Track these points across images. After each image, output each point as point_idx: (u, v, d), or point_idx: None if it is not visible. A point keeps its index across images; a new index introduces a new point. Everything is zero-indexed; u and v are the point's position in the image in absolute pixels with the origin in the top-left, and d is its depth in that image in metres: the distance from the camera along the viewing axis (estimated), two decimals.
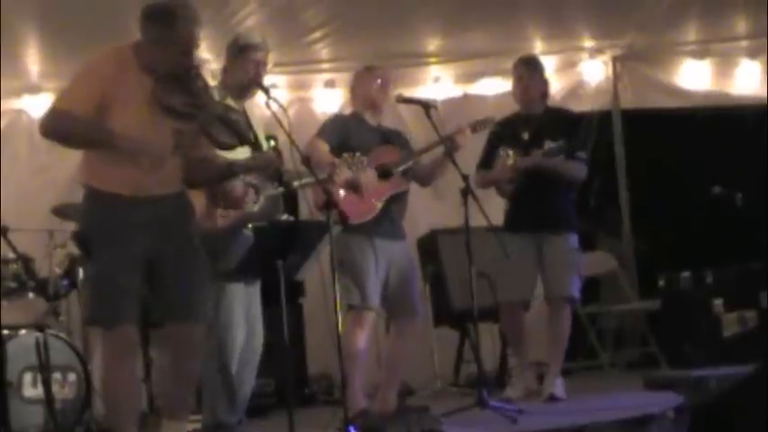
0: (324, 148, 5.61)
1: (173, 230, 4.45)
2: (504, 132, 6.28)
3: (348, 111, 6.21)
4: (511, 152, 6.13)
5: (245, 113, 5.10)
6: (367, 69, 5.97)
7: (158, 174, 4.41)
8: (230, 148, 4.63)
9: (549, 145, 6.05)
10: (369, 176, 5.68)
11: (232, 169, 4.77)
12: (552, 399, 5.99)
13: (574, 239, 6.23)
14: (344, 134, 5.72)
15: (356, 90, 5.97)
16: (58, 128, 4.38)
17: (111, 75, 4.35)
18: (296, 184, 5.09)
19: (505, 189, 6.19)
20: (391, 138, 5.95)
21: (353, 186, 5.62)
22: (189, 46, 4.43)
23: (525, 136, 6.19)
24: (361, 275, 5.63)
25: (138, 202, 4.38)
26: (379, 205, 5.72)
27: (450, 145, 5.71)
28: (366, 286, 5.63)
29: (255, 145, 4.89)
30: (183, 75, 4.44)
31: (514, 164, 6.11)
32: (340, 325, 4.73)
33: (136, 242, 4.36)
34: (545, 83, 6.38)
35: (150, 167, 4.38)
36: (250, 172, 4.92)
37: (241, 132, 4.56)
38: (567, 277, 6.12)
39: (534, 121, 6.23)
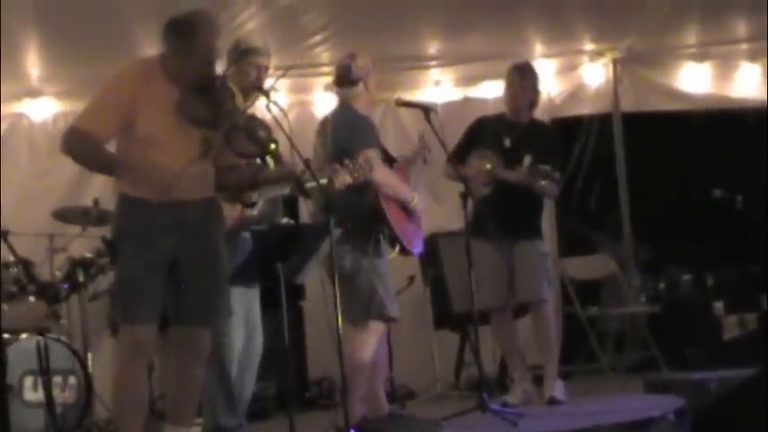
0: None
1: (197, 236, 4.50)
2: (485, 132, 6.26)
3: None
4: (491, 156, 6.11)
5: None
6: (371, 65, 5.72)
7: (186, 180, 4.44)
8: (251, 157, 4.64)
9: (528, 160, 6.05)
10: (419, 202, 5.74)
11: (257, 179, 4.77)
12: (553, 401, 6.00)
13: (542, 245, 6.26)
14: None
15: (369, 87, 5.67)
16: (75, 149, 4.50)
17: (134, 89, 4.44)
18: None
19: (476, 190, 6.01)
20: None
21: (407, 208, 5.65)
22: (209, 57, 4.49)
23: (507, 143, 6.18)
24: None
25: (165, 206, 4.43)
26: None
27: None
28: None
29: (276, 155, 4.89)
30: (208, 85, 4.49)
31: (494, 171, 6.08)
32: (340, 328, 4.72)
33: (160, 246, 4.42)
34: (536, 92, 6.33)
35: (177, 174, 4.41)
36: (275, 182, 4.93)
37: (262, 142, 4.58)
38: (538, 281, 6.11)
39: (518, 131, 6.21)
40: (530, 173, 6.00)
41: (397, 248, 5.61)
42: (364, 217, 5.46)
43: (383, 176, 5.45)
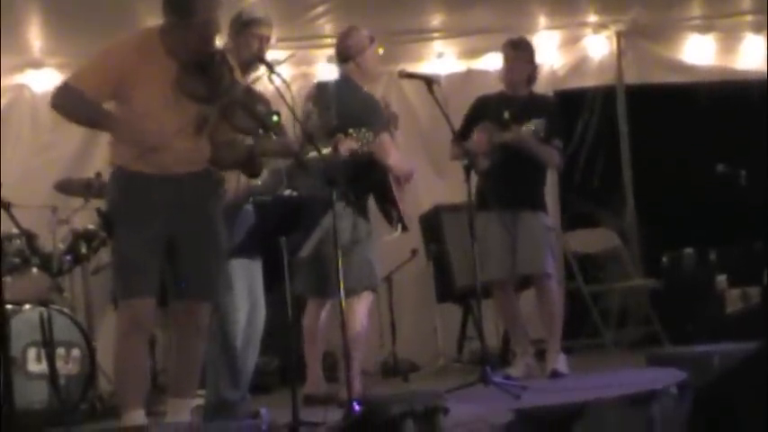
0: None
1: (194, 209, 4.48)
2: (485, 108, 6.25)
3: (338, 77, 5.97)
4: (490, 127, 6.11)
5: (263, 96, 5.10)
6: (371, 39, 5.84)
7: (182, 153, 4.43)
8: (249, 132, 4.63)
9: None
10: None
11: (254, 155, 4.76)
12: (555, 374, 6.01)
13: (546, 218, 6.25)
14: None
15: (365, 61, 5.81)
16: (64, 104, 4.45)
17: (132, 59, 4.39)
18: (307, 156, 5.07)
19: (480, 164, 6.02)
20: None
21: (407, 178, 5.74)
22: (208, 33, 4.45)
23: (506, 115, 6.16)
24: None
25: (162, 180, 4.42)
26: None
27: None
28: None
29: (279, 127, 4.88)
30: (207, 60, 4.46)
31: (492, 137, 6.07)
32: (343, 304, 4.74)
33: (156, 219, 4.40)
34: (533, 67, 6.31)
35: (174, 146, 4.39)
36: (271, 158, 4.93)
37: (261, 118, 4.56)
38: (541, 254, 6.11)
39: (517, 103, 6.21)
40: (525, 131, 5.98)
41: (400, 228, 5.71)
42: (370, 193, 5.64)
43: (396, 159, 5.67)
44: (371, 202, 5.84)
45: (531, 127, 5.92)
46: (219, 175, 4.78)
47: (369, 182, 5.64)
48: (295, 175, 5.28)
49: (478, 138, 6.10)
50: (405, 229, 5.84)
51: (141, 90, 4.38)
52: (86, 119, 4.55)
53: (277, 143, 4.87)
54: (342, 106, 5.61)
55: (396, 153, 5.70)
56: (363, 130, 5.47)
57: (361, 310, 5.62)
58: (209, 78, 4.45)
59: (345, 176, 5.39)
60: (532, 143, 6.01)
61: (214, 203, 4.60)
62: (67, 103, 4.42)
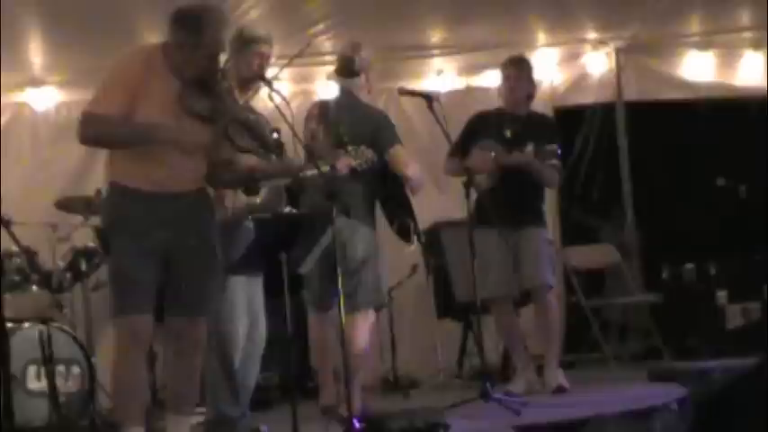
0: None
1: (189, 227, 4.49)
2: (486, 125, 6.26)
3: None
4: (493, 146, 6.11)
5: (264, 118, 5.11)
6: (370, 57, 5.86)
7: (179, 171, 4.45)
8: (250, 152, 4.63)
9: (530, 148, 6.04)
10: None
11: (254, 175, 4.77)
12: (560, 390, 5.99)
13: (546, 232, 6.27)
14: None
15: (371, 76, 5.82)
16: (91, 132, 4.42)
17: (139, 75, 4.40)
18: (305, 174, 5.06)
19: (481, 183, 6.05)
20: None
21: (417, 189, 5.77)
22: (216, 51, 4.49)
23: (508, 134, 6.18)
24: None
25: (158, 197, 4.43)
26: None
27: None
28: None
29: (276, 150, 4.89)
30: (209, 79, 4.48)
31: (499, 158, 6.08)
32: (343, 320, 4.75)
33: (153, 236, 4.41)
34: (533, 85, 6.35)
35: (172, 164, 4.41)
36: (271, 178, 4.93)
37: (263, 138, 4.57)
38: (543, 267, 6.13)
39: (517, 122, 6.22)
40: (535, 154, 6.00)
41: (416, 240, 5.70)
42: (385, 203, 5.63)
43: (414, 169, 5.63)
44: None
45: (549, 148, 5.93)
46: (216, 193, 4.79)
47: (387, 193, 5.63)
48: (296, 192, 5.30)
49: (483, 157, 6.10)
50: (420, 241, 5.81)
51: (144, 103, 4.39)
52: (123, 138, 4.42)
53: (277, 165, 4.88)
54: (353, 120, 5.61)
55: (416, 166, 5.68)
56: (362, 147, 5.48)
57: (366, 326, 5.62)
58: (211, 97, 4.47)
59: (363, 188, 5.45)
60: (540, 166, 6.03)
61: (209, 220, 4.61)
62: (95, 130, 4.40)
